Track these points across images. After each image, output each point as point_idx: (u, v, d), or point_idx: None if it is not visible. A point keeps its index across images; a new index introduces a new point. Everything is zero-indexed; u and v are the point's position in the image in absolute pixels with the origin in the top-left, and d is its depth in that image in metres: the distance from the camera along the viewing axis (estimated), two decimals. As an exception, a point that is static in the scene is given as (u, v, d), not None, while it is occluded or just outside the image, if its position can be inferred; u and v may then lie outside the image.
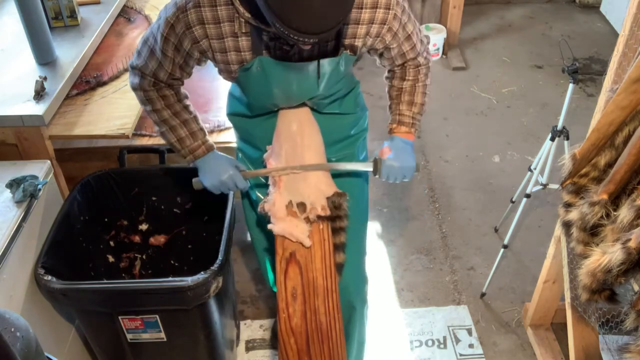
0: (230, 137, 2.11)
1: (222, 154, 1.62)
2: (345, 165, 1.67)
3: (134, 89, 1.53)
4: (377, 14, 1.37)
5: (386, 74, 1.63)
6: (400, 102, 1.59)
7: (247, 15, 1.32)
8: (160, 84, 1.51)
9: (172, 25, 1.37)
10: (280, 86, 1.48)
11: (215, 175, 1.56)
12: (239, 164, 1.62)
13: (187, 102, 1.58)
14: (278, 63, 1.41)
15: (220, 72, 1.50)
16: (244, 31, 1.36)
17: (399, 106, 1.59)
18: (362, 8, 1.37)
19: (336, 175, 1.67)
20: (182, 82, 1.55)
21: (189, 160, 1.59)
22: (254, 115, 1.64)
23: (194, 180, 1.61)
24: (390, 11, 1.38)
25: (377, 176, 1.61)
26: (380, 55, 1.55)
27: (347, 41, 1.41)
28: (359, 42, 1.41)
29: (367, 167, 1.62)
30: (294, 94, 1.52)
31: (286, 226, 1.56)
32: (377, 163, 1.60)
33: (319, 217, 1.57)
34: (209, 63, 1.51)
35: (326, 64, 1.43)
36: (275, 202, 1.58)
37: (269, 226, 1.58)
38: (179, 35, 1.38)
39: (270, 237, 1.72)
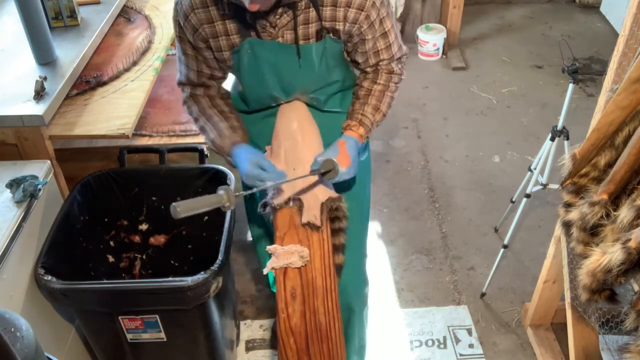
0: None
1: (246, 148, 1.55)
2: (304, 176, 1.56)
3: (183, 103, 1.66)
4: None
5: (358, 77, 1.62)
6: (366, 104, 1.57)
7: None
8: (197, 92, 1.60)
9: (178, 22, 1.44)
10: (270, 68, 1.49)
11: (242, 170, 1.52)
12: (259, 154, 1.54)
13: (223, 105, 1.63)
14: (265, 42, 1.43)
15: (218, 62, 1.53)
16: (228, 13, 1.39)
17: (363, 107, 1.56)
18: None
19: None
20: (216, 80, 1.60)
21: (227, 160, 1.60)
22: (252, 110, 1.64)
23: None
24: None
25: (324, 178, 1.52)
26: (355, 50, 1.53)
27: (327, 24, 1.42)
28: (339, 26, 1.42)
29: (320, 171, 1.50)
30: (285, 78, 1.52)
31: (282, 259, 1.57)
32: (334, 167, 1.48)
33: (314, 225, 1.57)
34: None
35: (312, 48, 1.44)
36: (273, 199, 1.59)
37: (268, 248, 1.57)
38: (185, 29, 1.44)
39: (270, 235, 1.72)
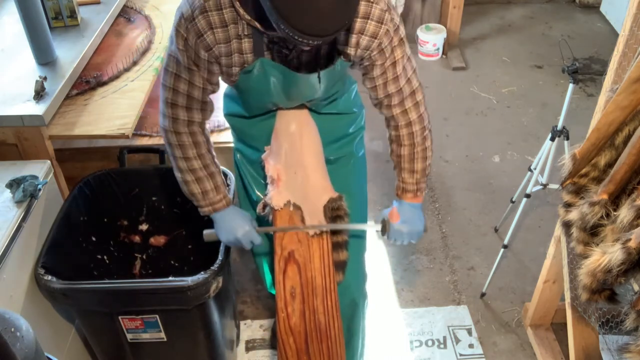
0: (229, 137, 2.11)
1: (238, 209, 1.62)
2: (354, 225, 1.69)
3: (165, 130, 1.48)
4: (369, 26, 1.35)
5: (387, 133, 1.61)
6: (401, 170, 1.59)
7: (247, 17, 1.32)
8: (194, 124, 1.48)
9: (185, 38, 1.35)
10: (280, 89, 1.48)
11: (231, 231, 1.57)
12: (253, 220, 1.62)
13: (213, 151, 1.57)
14: (278, 66, 1.41)
15: (221, 75, 1.48)
16: (246, 33, 1.36)
17: (401, 173, 1.59)
18: None
19: (335, 174, 1.67)
20: (213, 105, 1.53)
21: (207, 212, 1.57)
22: (251, 116, 1.64)
23: (205, 232, 1.61)
24: (383, 26, 1.35)
25: (385, 236, 1.63)
26: (364, 74, 1.50)
27: (340, 47, 1.40)
28: (351, 51, 1.40)
29: (376, 227, 1.64)
30: (293, 97, 1.52)
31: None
32: (385, 225, 1.61)
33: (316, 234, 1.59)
34: None
35: (324, 72, 1.44)
36: (273, 200, 1.59)
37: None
38: (193, 46, 1.35)
39: (269, 238, 1.73)
